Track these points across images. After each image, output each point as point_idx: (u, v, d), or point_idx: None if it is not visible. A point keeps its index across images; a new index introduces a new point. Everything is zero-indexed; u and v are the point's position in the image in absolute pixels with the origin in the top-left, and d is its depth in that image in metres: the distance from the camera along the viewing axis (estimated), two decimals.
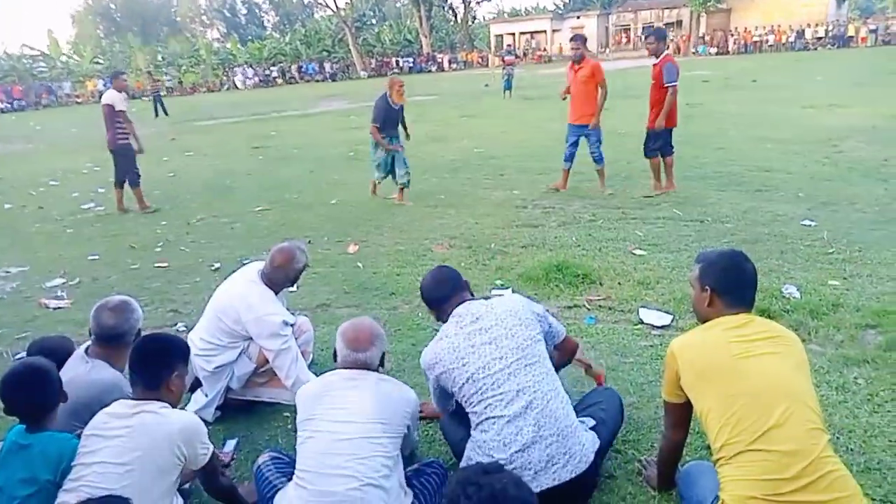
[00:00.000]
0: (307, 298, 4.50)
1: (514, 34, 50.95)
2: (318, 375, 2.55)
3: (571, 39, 7.05)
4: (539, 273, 4.55)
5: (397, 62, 48.95)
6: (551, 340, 2.52)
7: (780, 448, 1.75)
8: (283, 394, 3.07)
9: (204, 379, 3.08)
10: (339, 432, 2.09)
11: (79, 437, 2.06)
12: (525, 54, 47.26)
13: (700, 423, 2.00)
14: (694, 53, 40.42)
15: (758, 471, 1.76)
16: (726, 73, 23.67)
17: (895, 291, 3.95)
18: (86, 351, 2.53)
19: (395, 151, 7.17)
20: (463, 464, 2.31)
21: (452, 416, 2.54)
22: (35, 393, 2.06)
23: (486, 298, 2.53)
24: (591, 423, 2.37)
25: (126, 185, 7.85)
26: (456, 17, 57.16)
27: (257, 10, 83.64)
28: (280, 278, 3.08)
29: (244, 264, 3.49)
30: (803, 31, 38.43)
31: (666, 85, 6.43)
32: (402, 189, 7.32)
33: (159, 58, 51.49)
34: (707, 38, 42.00)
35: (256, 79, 46.55)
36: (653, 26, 50.69)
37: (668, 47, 6.85)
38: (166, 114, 23.44)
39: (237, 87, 45.32)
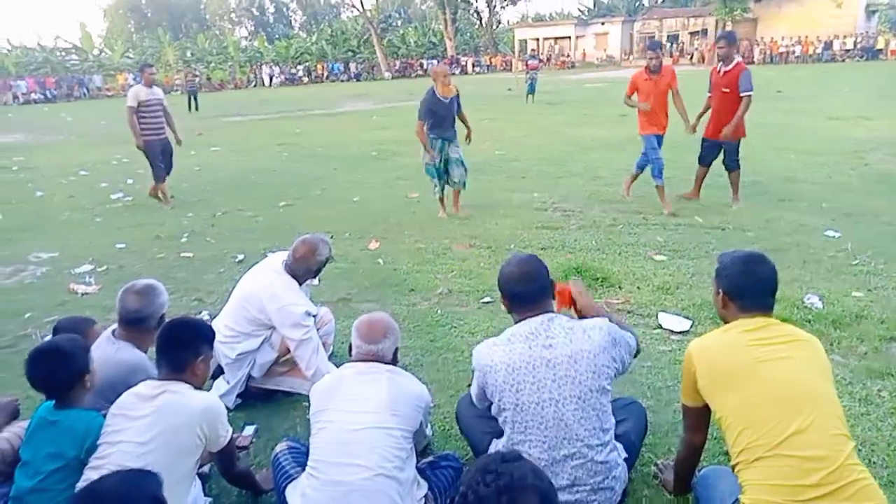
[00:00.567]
0: (328, 292, 4.55)
1: (538, 39, 50.85)
2: (337, 367, 2.59)
3: (650, 49, 6.48)
4: (558, 275, 4.55)
5: (421, 64, 49.17)
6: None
7: (803, 453, 1.72)
8: (304, 384, 3.10)
9: (226, 366, 3.14)
10: (352, 423, 2.11)
11: (105, 415, 2.12)
12: (549, 59, 47.13)
13: (718, 427, 1.98)
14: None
15: (779, 475, 1.73)
16: None
17: None
18: (113, 333, 2.59)
19: (440, 143, 6.27)
20: (492, 449, 2.28)
21: (476, 413, 2.44)
22: (56, 370, 2.10)
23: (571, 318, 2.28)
24: (624, 454, 2.25)
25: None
26: (481, 20, 57.24)
27: (285, 10, 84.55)
28: (303, 269, 3.13)
29: (267, 256, 3.55)
30: (831, 42, 37.86)
31: (744, 94, 6.06)
32: (457, 193, 6.60)
33: (188, 54, 52.23)
34: None
35: (283, 77, 47.05)
36: (677, 34, 49.86)
37: (739, 53, 6.50)
38: (197, 109, 23.80)
39: (264, 85, 45.83)
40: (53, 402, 2.13)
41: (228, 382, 3.14)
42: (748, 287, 2.01)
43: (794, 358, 1.89)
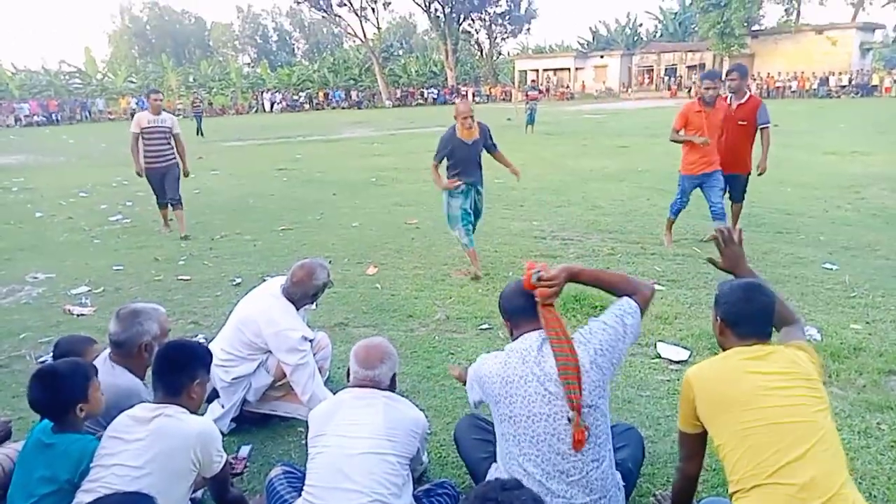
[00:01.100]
0: (325, 317, 4.54)
1: (537, 70, 51.64)
2: (333, 393, 2.57)
3: (706, 78, 5.99)
4: (557, 302, 4.53)
5: (422, 93, 49.87)
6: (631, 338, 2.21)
7: (799, 482, 1.73)
8: (299, 409, 3.09)
9: (221, 390, 3.12)
10: (349, 447, 2.10)
11: (99, 438, 2.10)
12: (548, 90, 47.80)
13: (716, 455, 1.98)
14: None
15: (775, 503, 1.74)
16: None
17: None
18: (109, 356, 2.57)
19: (466, 188, 5.34)
20: (491, 473, 2.25)
21: (475, 437, 2.47)
22: (55, 393, 2.09)
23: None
24: (622, 482, 2.21)
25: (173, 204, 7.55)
26: (481, 51, 58.13)
27: (288, 38, 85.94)
28: (300, 294, 3.11)
29: (265, 280, 3.54)
30: (827, 78, 38.45)
31: (764, 126, 5.95)
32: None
33: (191, 79, 52.90)
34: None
35: (284, 103, 47.65)
36: (675, 68, 50.56)
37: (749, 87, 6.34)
38: (202, 135, 23.54)
39: (265, 111, 46.33)
40: (51, 424, 2.11)
41: (223, 406, 3.12)
42: (746, 314, 2.04)
43: (792, 387, 1.89)
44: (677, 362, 3.70)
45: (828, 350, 3.71)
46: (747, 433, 1.83)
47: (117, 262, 6.29)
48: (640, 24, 58.33)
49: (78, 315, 4.82)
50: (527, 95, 21.56)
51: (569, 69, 51.34)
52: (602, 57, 51.05)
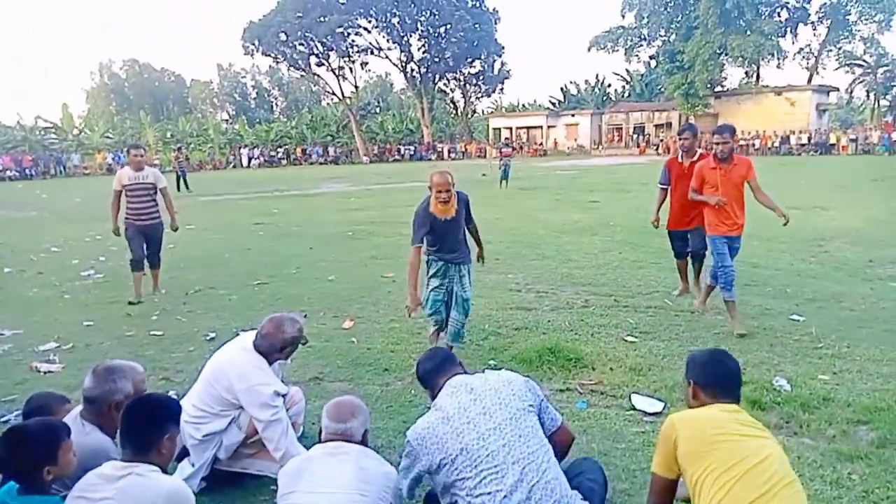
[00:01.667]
0: (300, 371, 4.49)
1: (511, 128, 53.07)
2: (307, 448, 2.53)
3: (718, 132, 5.44)
4: (532, 355, 4.58)
5: (399, 149, 50.75)
6: (548, 424, 2.50)
7: None
8: (271, 466, 3.01)
9: (191, 447, 3.04)
10: (319, 503, 2.08)
11: (64, 498, 2.04)
12: (521, 147, 49.00)
13: (690, 494, 2.03)
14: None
15: None
16: None
17: (885, 388, 3.98)
18: (81, 413, 2.52)
19: (444, 266, 4.63)
20: None
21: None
22: (21, 455, 2.05)
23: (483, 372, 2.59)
24: (580, 498, 2.33)
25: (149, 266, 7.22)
26: (457, 109, 59.62)
27: (267, 95, 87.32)
28: (267, 347, 3.07)
29: (239, 335, 3.52)
30: (788, 136, 40.14)
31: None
32: (450, 348, 4.53)
33: (168, 135, 53.14)
34: None
35: (262, 159, 48.04)
36: (643, 126, 52.21)
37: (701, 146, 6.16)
38: (188, 188, 23.56)
39: (243, 166, 46.54)
40: (17, 486, 2.06)
41: (193, 465, 3.03)
42: (717, 377, 2.24)
43: (769, 439, 2.05)
44: (651, 414, 3.72)
45: (797, 401, 3.78)
46: (729, 470, 1.93)
47: (88, 318, 6.17)
48: (609, 85, 60.71)
49: (45, 372, 4.69)
50: (501, 152, 22.06)
51: (541, 127, 52.91)
52: (573, 115, 52.82)
